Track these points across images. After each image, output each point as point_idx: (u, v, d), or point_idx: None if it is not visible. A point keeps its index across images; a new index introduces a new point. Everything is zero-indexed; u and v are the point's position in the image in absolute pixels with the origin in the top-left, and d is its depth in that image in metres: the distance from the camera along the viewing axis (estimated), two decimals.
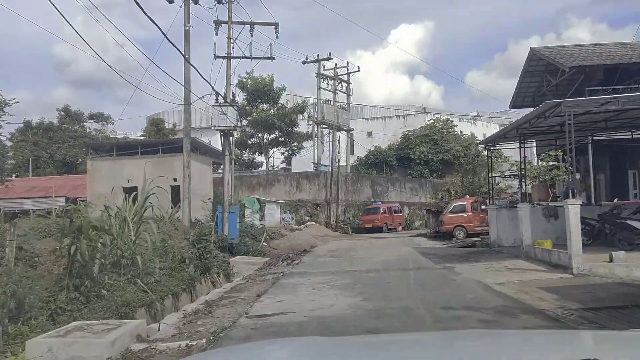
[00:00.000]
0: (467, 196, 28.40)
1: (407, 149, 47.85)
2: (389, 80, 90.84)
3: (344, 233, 35.49)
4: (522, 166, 18.22)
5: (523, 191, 19.68)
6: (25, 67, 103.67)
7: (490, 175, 22.23)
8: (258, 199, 33.88)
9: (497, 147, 23.63)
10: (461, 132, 50.55)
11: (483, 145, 21.98)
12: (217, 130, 20.92)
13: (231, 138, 22.11)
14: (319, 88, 38.24)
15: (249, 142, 45.18)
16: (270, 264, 18.75)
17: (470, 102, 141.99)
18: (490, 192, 21.67)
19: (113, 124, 61.50)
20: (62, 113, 59.16)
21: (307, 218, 36.77)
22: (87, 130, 59.98)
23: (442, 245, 23.78)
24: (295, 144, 45.13)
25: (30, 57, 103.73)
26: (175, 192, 29.71)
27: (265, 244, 25.34)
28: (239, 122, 24.11)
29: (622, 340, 2.30)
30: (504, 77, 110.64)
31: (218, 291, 13.66)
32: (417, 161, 46.91)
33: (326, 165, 39.15)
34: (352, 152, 47.87)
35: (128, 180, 31.96)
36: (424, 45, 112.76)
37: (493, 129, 58.05)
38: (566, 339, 2.57)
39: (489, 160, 22.06)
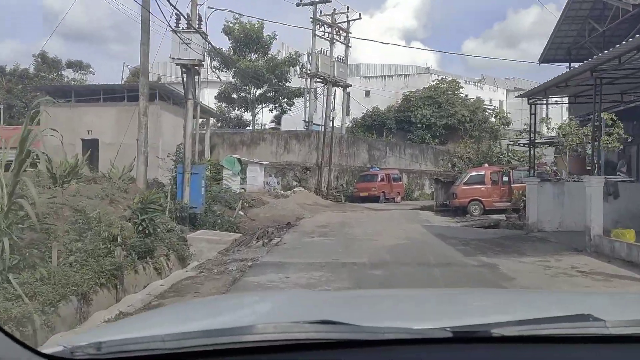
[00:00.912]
0: (486, 165, 23.74)
1: (408, 112, 42.87)
2: (385, 46, 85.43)
3: (335, 201, 30.84)
4: (597, 123, 12.90)
5: (589, 159, 14.88)
6: (14, 15, 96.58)
7: (532, 137, 17.43)
8: (239, 159, 28.96)
9: (537, 102, 18.76)
10: (466, 95, 45.53)
11: (526, 98, 17.07)
12: (176, 64, 15.83)
13: (197, 77, 17.01)
14: (314, 35, 32.92)
15: (234, 96, 39.92)
16: (241, 243, 14.05)
17: (469, 70, 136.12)
18: (531, 160, 16.91)
19: (93, 74, 55.99)
20: (39, 59, 53.36)
21: (295, 183, 32.01)
22: (65, 79, 54.38)
23: (455, 224, 19.18)
24: (285, 100, 39.94)
25: (19, 5, 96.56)
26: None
27: (242, 213, 20.60)
28: (208, 56, 19.28)
29: (618, 299, 2.44)
30: (503, 46, 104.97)
31: (148, 292, 8.98)
32: (419, 125, 42.01)
33: (319, 125, 34.18)
34: (347, 113, 42.82)
35: (88, 132, 26.97)
36: (421, 12, 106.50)
37: (501, 94, 53.15)
38: (565, 298, 2.59)
39: (532, 118, 17.21)
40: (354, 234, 15.22)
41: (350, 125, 42.78)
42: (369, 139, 37.57)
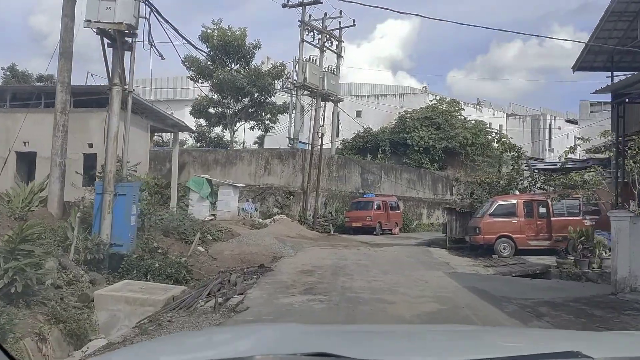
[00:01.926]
0: (517, 192, 18.85)
1: (404, 133, 38.06)
2: (371, 75, 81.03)
3: (323, 232, 25.64)
4: None
5: None
6: None
7: (618, 148, 12.40)
8: (208, 180, 23.72)
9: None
10: (465, 118, 40.97)
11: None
12: (92, 28, 10.62)
13: (130, 55, 11.81)
14: (302, 40, 28.15)
15: (210, 110, 34.80)
16: (182, 303, 8.76)
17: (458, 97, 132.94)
18: (618, 182, 11.93)
19: None
20: (8, 73, 47.99)
21: (276, 210, 26.78)
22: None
23: (485, 270, 14.09)
24: (269, 117, 34.94)
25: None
26: (91, 162, 19.92)
27: (202, 250, 15.31)
28: (186, 66, 14.18)
29: (606, 337, 2.35)
30: (486, 78, 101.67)
31: None
32: (415, 148, 37.17)
33: (305, 143, 29.16)
34: (337, 133, 37.94)
35: (24, 143, 21.72)
36: (407, 42, 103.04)
37: (500, 118, 48.80)
38: (552, 336, 2.56)
39: (620, 122, 12.19)
40: (354, 289, 9.99)
41: (340, 147, 37.88)
42: (362, 161, 32.57)
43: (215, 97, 34.09)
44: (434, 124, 38.11)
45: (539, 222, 16.62)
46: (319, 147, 26.82)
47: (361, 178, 31.20)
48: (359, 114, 43.87)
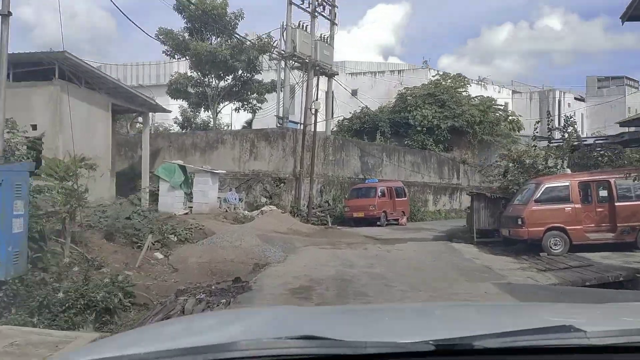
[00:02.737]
0: (568, 170, 14.80)
1: (405, 112, 34.02)
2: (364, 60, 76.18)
3: (319, 225, 21.69)
4: None
5: None
6: None
7: None
8: (182, 167, 19.66)
9: None
10: (470, 95, 36.91)
11: None
12: None
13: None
14: (290, 2, 23.94)
15: (189, 90, 30.52)
16: None
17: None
18: None
19: None
20: None
21: (264, 200, 22.72)
22: None
23: (542, 276, 10.15)
24: (255, 96, 30.73)
25: None
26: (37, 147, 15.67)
27: (160, 256, 11.30)
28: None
29: (600, 309, 2.19)
30: (477, 62, 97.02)
31: None
32: (418, 128, 33.16)
33: (296, 123, 25.08)
34: (332, 114, 33.82)
35: None
36: (399, 27, 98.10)
37: (506, 95, 44.84)
38: (548, 310, 2.43)
39: None
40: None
41: (335, 129, 33.80)
42: (361, 143, 28.47)
43: (194, 74, 29.86)
44: (438, 101, 34.08)
45: (599, 209, 12.68)
46: (313, 126, 22.71)
47: (361, 161, 27.17)
48: (354, 93, 39.65)
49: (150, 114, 34.26)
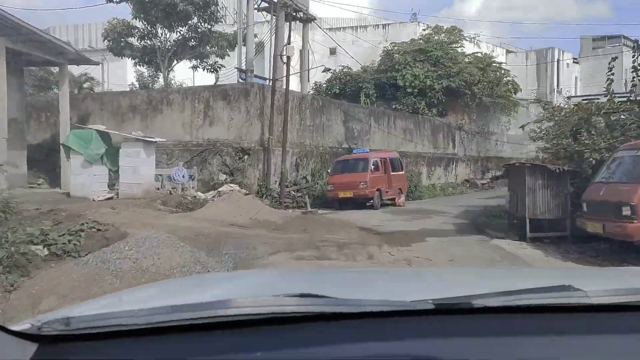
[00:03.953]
0: None
1: (393, 72, 28.51)
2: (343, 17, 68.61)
3: (295, 208, 16.34)
4: None
5: None
6: None
7: None
8: (104, 134, 13.86)
9: None
10: (464, 52, 31.49)
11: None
12: None
13: None
14: None
15: (131, 41, 24.31)
16: None
17: None
18: None
19: None
20: None
21: (223, 177, 17.07)
22: None
23: None
24: (215, 50, 24.74)
25: None
26: None
27: None
28: None
29: (604, 272, 2.22)
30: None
31: None
32: (409, 90, 27.72)
33: (264, 79, 19.31)
34: (307, 77, 28.01)
35: None
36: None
37: (501, 53, 39.55)
38: (549, 273, 2.49)
39: None
40: None
41: (312, 92, 28.13)
42: (345, 105, 22.82)
43: (139, 23, 23.68)
44: (430, 58, 28.62)
45: None
46: (285, 80, 16.99)
47: (345, 127, 21.64)
48: (333, 51, 33.84)
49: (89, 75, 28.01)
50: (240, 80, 18.51)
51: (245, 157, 17.13)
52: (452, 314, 1.21)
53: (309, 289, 1.27)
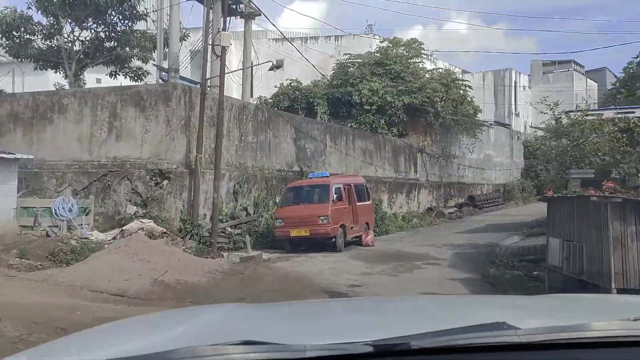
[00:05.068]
0: None
1: (348, 87, 24.64)
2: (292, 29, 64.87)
3: (234, 250, 11.80)
4: None
5: None
6: None
7: None
8: None
9: None
10: (425, 68, 28.23)
11: None
12: None
13: None
14: None
15: (33, 39, 19.11)
16: None
17: None
18: None
19: None
20: None
21: (132, 210, 12.25)
22: None
23: None
24: (137, 51, 19.90)
25: None
26: None
27: None
28: None
29: (532, 304, 2.17)
30: None
31: None
32: (366, 107, 23.91)
33: (195, 82, 14.76)
34: (251, 84, 23.67)
35: None
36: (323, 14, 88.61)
37: (457, 73, 36.70)
38: (487, 303, 2.49)
39: None
40: None
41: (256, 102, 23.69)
42: (297, 119, 18.51)
43: (38, 17, 18.58)
44: (389, 72, 25.05)
45: None
46: (219, 78, 12.49)
47: (296, 146, 17.30)
48: (279, 64, 29.79)
49: None
50: (162, 80, 13.85)
51: (164, 182, 12.40)
52: (391, 355, 1.23)
53: (260, 330, 1.54)
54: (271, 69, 12.54)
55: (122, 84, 21.99)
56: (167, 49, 14.27)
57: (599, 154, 9.67)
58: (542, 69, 45.43)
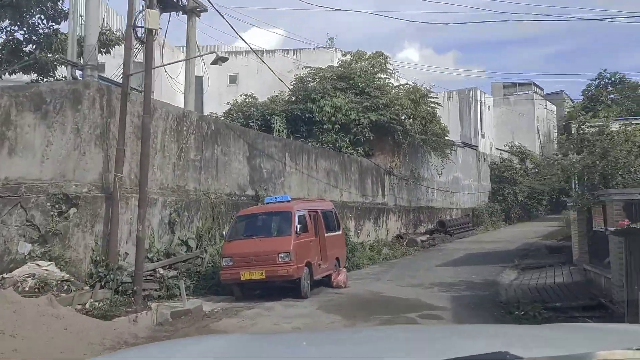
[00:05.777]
0: None
1: (308, 103, 22.02)
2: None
3: (166, 300, 8.65)
4: None
5: None
6: None
7: None
8: None
9: None
10: (391, 84, 26.02)
11: None
12: None
13: None
14: None
15: None
16: None
17: None
18: None
19: None
20: None
21: (27, 249, 8.97)
22: None
23: None
24: (60, 56, 16.62)
25: None
26: None
27: None
28: None
29: (534, 334, 2.12)
30: None
31: None
32: (327, 125, 21.32)
33: (116, 83, 11.72)
34: (202, 110, 20.66)
35: None
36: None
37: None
38: (489, 332, 2.43)
39: None
40: None
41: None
42: (251, 134, 15.58)
43: None
44: (354, 87, 22.69)
45: None
46: (145, 70, 9.51)
47: (249, 166, 14.33)
48: (233, 79, 26.99)
49: None
50: (71, 77, 10.75)
51: (71, 211, 9.18)
52: None
53: None
54: (215, 62, 9.93)
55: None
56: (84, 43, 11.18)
57: (632, 169, 7.54)
58: (502, 91, 44.55)
